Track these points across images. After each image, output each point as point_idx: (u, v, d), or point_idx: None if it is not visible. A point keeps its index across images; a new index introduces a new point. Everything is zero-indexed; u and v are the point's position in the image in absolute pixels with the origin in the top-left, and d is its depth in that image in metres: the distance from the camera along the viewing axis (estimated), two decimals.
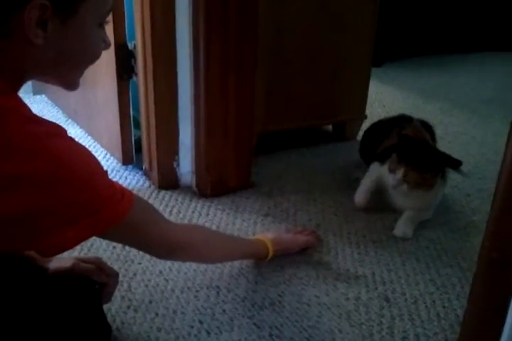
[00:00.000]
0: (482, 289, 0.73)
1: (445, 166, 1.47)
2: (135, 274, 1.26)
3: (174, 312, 1.14)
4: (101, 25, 0.78)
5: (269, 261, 1.29)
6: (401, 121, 1.70)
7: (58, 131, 0.73)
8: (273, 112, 1.88)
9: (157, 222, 0.95)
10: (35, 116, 0.72)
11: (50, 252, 0.75)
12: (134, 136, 1.75)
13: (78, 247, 1.31)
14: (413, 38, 3.35)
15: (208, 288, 1.22)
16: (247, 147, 1.65)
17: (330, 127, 2.17)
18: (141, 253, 1.33)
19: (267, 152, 1.93)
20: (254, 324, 1.11)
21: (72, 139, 0.74)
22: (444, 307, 1.18)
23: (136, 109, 1.70)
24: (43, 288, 0.88)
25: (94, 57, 0.80)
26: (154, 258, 1.31)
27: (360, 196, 1.56)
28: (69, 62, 0.77)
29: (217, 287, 1.22)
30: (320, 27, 1.86)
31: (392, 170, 1.44)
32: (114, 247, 1.35)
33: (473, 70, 3.27)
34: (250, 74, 1.55)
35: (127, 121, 1.71)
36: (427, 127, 1.70)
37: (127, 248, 1.35)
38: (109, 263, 1.26)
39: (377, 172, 1.55)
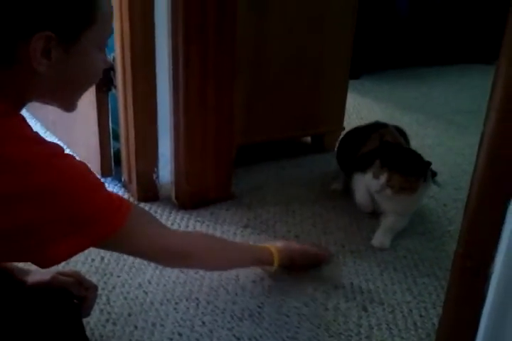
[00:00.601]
0: (456, 296, 0.74)
1: (427, 170, 1.50)
2: (114, 287, 1.25)
3: (153, 324, 1.13)
4: (101, 48, 0.81)
5: (276, 271, 1.27)
6: (377, 127, 1.74)
7: (56, 150, 0.75)
8: (252, 124, 1.89)
9: (156, 230, 0.96)
10: (35, 135, 0.74)
11: (48, 263, 0.77)
12: (113, 148, 1.75)
13: None
14: (390, 51, 3.41)
15: (187, 300, 1.22)
16: (227, 159, 1.66)
17: (309, 139, 2.19)
18: (119, 265, 1.33)
19: (247, 164, 1.94)
20: (234, 335, 1.11)
21: (69, 156, 0.77)
22: (420, 316, 1.20)
23: (115, 122, 1.70)
24: (21, 301, 0.87)
25: (95, 79, 0.84)
26: (133, 271, 1.31)
27: (363, 204, 1.59)
28: (71, 87, 0.80)
29: (197, 299, 1.22)
30: (299, 40, 1.88)
31: (376, 176, 1.47)
32: (93, 260, 1.34)
33: (449, 82, 3.33)
34: (229, 86, 1.56)
35: (106, 133, 1.70)
36: (400, 132, 1.75)
37: (106, 260, 1.34)
38: (87, 276, 1.25)
39: (363, 181, 1.57)
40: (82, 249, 0.77)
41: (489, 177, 0.68)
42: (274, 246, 1.26)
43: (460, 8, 3.55)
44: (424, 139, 2.29)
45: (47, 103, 0.84)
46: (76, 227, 0.74)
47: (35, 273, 0.98)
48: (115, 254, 1.36)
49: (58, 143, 0.80)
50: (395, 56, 3.46)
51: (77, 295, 0.98)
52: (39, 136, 0.75)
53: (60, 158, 0.75)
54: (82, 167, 0.78)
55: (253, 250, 1.26)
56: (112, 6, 0.81)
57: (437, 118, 2.62)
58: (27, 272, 0.99)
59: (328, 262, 1.36)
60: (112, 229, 0.78)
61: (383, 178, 1.45)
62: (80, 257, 1.33)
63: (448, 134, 2.40)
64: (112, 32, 0.82)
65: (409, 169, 1.46)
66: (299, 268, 1.30)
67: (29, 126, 0.75)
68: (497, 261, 0.68)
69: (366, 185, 1.55)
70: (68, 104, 0.84)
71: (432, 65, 3.59)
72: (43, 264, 0.78)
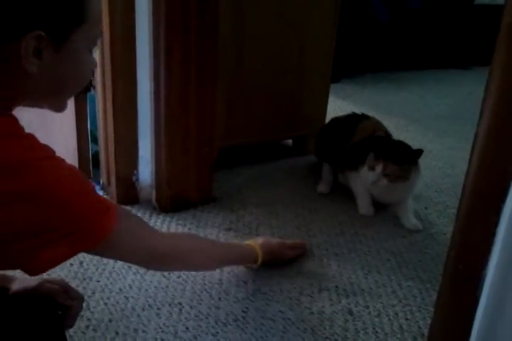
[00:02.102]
0: (448, 300, 0.73)
1: (417, 158, 1.60)
2: (94, 292, 1.21)
3: (135, 330, 1.10)
4: (90, 49, 0.80)
5: (258, 267, 1.30)
6: (359, 119, 1.82)
7: (47, 153, 0.74)
8: (233, 127, 1.88)
9: (144, 233, 0.96)
10: (27, 136, 0.73)
11: (37, 270, 0.75)
12: (91, 150, 1.71)
13: None
14: (369, 55, 3.44)
15: (170, 305, 1.19)
16: (208, 161, 1.64)
17: (290, 141, 2.18)
18: (99, 270, 1.29)
19: (228, 166, 1.92)
20: None
21: (59, 159, 0.75)
22: (406, 319, 1.19)
23: (93, 123, 1.66)
24: (2, 308, 0.83)
25: (85, 81, 0.83)
26: (114, 276, 1.27)
27: (365, 208, 1.66)
28: (61, 86, 0.79)
29: (180, 304, 1.19)
30: (280, 43, 1.88)
31: (371, 168, 1.56)
32: (71, 265, 1.30)
33: (427, 87, 3.37)
34: (211, 88, 1.54)
35: (84, 134, 1.67)
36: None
37: (85, 265, 1.30)
38: (66, 281, 1.22)
39: (359, 179, 1.64)
40: (71, 256, 0.76)
41: (482, 181, 0.67)
42: (256, 242, 1.29)
43: (438, 14, 3.60)
44: None
45: (36, 105, 0.82)
46: (64, 233, 0.72)
47: (21, 280, 0.96)
48: (95, 259, 1.33)
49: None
50: (374, 60, 3.49)
51: (62, 304, 0.95)
52: (31, 136, 0.74)
53: (50, 161, 0.73)
54: (72, 170, 0.77)
55: (237, 248, 1.29)
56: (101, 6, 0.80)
57: (416, 122, 2.64)
58: (11, 279, 0.96)
59: (306, 253, 1.42)
60: (100, 236, 0.76)
61: (379, 168, 1.53)
62: None
63: (427, 138, 2.42)
64: (101, 32, 0.80)
65: (403, 158, 1.56)
66: (281, 261, 1.34)
67: (21, 126, 0.74)
68: (490, 264, 0.67)
69: (362, 180, 1.61)
70: (58, 105, 0.83)
71: (410, 70, 3.63)
72: (32, 271, 0.76)
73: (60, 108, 0.84)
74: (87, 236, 0.75)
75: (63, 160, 0.76)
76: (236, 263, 1.31)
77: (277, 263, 1.34)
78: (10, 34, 0.69)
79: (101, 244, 0.77)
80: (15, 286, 0.94)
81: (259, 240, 1.32)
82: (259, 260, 1.28)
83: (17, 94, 0.75)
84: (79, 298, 0.99)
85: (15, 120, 0.74)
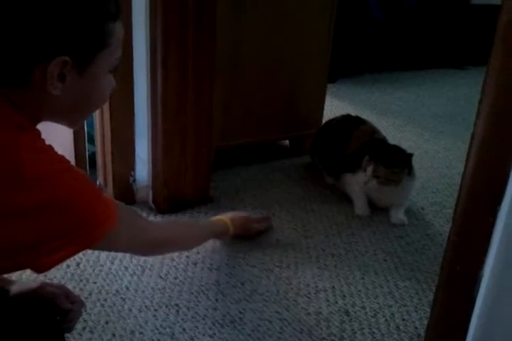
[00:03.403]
0: (444, 301, 0.73)
1: (408, 162, 1.62)
2: (90, 294, 1.21)
3: (132, 332, 1.10)
4: (110, 71, 0.83)
5: (232, 239, 1.42)
6: (355, 124, 1.84)
7: (63, 165, 0.77)
8: (231, 127, 1.88)
9: (140, 226, 1.02)
10: (47, 149, 0.76)
11: (43, 268, 0.77)
12: (88, 151, 1.70)
13: None
14: (366, 56, 3.44)
15: (166, 306, 1.19)
16: (205, 162, 1.63)
17: (287, 142, 2.18)
18: (96, 271, 1.29)
19: (225, 167, 1.92)
20: None
21: (73, 170, 0.78)
22: (403, 319, 1.19)
23: (90, 124, 1.66)
24: (1, 309, 0.84)
25: (103, 101, 0.87)
26: (110, 277, 1.27)
27: (361, 208, 1.67)
28: (81, 107, 0.83)
29: (177, 305, 1.19)
30: (277, 43, 1.88)
31: (364, 169, 1.60)
32: (68, 266, 1.30)
33: (423, 87, 3.37)
34: (208, 89, 1.54)
35: (81, 135, 1.66)
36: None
37: (81, 266, 1.30)
38: (62, 283, 1.22)
39: (355, 180, 1.66)
40: (74, 254, 0.78)
41: (478, 182, 0.67)
42: (226, 216, 1.42)
43: (433, 14, 3.60)
44: (400, 142, 2.28)
45: (55, 121, 0.86)
46: (72, 238, 0.75)
47: (21, 282, 0.98)
48: (91, 260, 1.33)
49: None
50: (371, 61, 3.49)
51: (63, 308, 0.96)
52: (50, 149, 0.77)
53: (66, 173, 0.76)
54: (83, 179, 0.80)
55: (212, 225, 1.41)
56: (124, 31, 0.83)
57: (413, 122, 2.64)
58: (10, 281, 0.98)
59: (271, 227, 1.54)
60: (102, 235, 0.79)
61: (370, 170, 1.57)
62: None
63: (424, 138, 2.42)
64: (122, 54, 0.84)
65: (393, 161, 1.58)
66: (249, 233, 1.46)
67: (42, 139, 0.77)
68: (486, 264, 0.68)
69: (358, 183, 1.63)
70: (75, 123, 0.90)
71: (406, 70, 3.64)
72: (37, 270, 0.78)
73: (75, 126, 0.92)
74: (91, 237, 0.77)
75: (76, 170, 0.79)
76: (213, 237, 1.42)
77: (247, 236, 1.46)
78: (37, 59, 0.72)
79: (102, 241, 0.79)
80: (15, 288, 0.94)
81: (229, 214, 1.44)
82: (230, 232, 1.40)
83: (40, 112, 0.79)
84: (79, 303, 1.00)
85: (38, 134, 0.77)
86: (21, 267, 0.80)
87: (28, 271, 1.24)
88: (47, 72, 0.73)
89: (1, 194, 0.69)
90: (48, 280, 1.22)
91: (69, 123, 0.88)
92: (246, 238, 1.45)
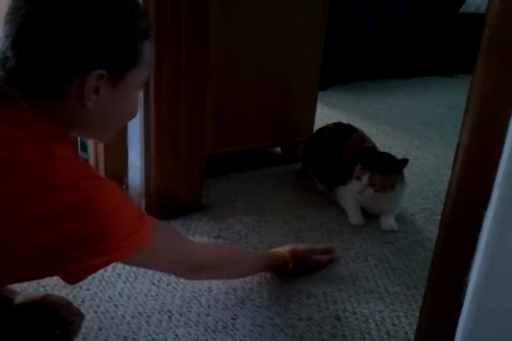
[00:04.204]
0: (432, 305, 0.75)
1: (402, 168, 1.64)
2: (83, 300, 1.22)
3: (125, 338, 1.11)
4: (138, 88, 0.88)
5: (288, 274, 1.32)
6: (346, 132, 1.86)
7: (90, 173, 0.80)
8: (222, 135, 1.89)
9: (180, 245, 1.02)
10: (75, 157, 0.80)
11: (74, 277, 0.78)
12: (81, 158, 1.71)
13: None
14: (356, 63, 3.47)
15: (159, 312, 1.20)
16: (198, 169, 1.65)
17: (278, 149, 2.20)
18: (89, 278, 1.29)
19: (217, 174, 1.93)
20: None
21: (100, 177, 0.81)
22: (393, 324, 1.21)
23: None
24: (7, 317, 0.87)
25: (132, 116, 0.91)
26: (103, 284, 1.28)
27: (355, 218, 1.67)
28: (112, 121, 0.87)
29: (169, 311, 1.20)
30: (269, 51, 1.90)
31: (358, 178, 1.60)
32: None
33: (413, 94, 3.41)
34: (200, 96, 1.55)
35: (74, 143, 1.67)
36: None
37: None
38: (55, 290, 1.23)
39: (347, 192, 1.68)
40: (107, 265, 0.79)
41: (465, 187, 0.69)
42: (285, 249, 1.33)
43: (423, 22, 3.65)
44: (391, 150, 2.31)
45: (85, 135, 0.93)
46: (103, 246, 0.76)
47: (25, 292, 1.00)
48: None
49: None
50: (361, 68, 3.53)
51: (65, 320, 0.98)
52: (79, 158, 0.81)
53: (93, 181, 0.78)
54: (114, 188, 0.81)
55: (267, 256, 1.32)
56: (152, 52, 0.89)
57: (403, 130, 2.67)
58: (14, 291, 1.00)
59: (335, 258, 1.44)
60: (135, 248, 0.80)
61: (365, 179, 1.57)
62: None
63: (414, 145, 2.45)
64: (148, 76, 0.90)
65: (387, 168, 1.60)
66: (309, 267, 1.37)
67: (73, 149, 0.82)
68: (473, 269, 0.69)
69: (350, 191, 1.65)
70: (104, 138, 0.93)
71: (396, 77, 3.67)
72: (70, 280, 0.79)
73: (106, 140, 0.95)
74: (122, 247, 0.78)
75: (104, 179, 0.82)
76: (267, 271, 1.33)
77: (306, 269, 1.36)
78: (77, 70, 0.76)
79: (136, 255, 0.80)
80: (19, 298, 0.96)
81: (288, 247, 1.35)
82: (289, 267, 1.31)
83: (71, 123, 0.82)
84: (81, 315, 1.02)
85: (69, 144, 0.80)
86: (49, 274, 0.80)
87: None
88: (84, 84, 0.77)
89: (32, 200, 0.70)
90: (41, 287, 1.23)
91: (98, 137, 0.93)
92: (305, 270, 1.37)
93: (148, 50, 0.85)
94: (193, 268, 1.05)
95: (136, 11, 0.83)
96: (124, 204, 0.82)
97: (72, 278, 0.78)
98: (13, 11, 0.75)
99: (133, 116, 0.91)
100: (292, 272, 1.32)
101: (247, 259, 1.26)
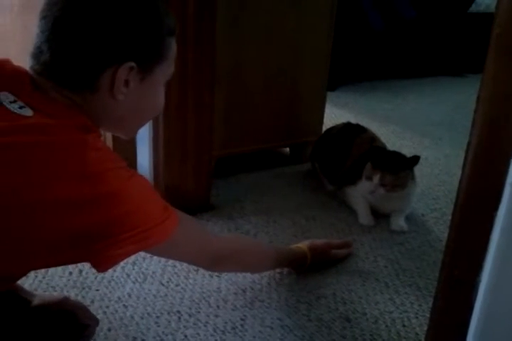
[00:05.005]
0: (443, 305, 0.74)
1: (413, 166, 1.63)
2: (93, 301, 1.22)
3: (134, 339, 1.11)
4: (164, 84, 0.90)
5: (308, 268, 1.34)
6: (356, 132, 1.85)
7: (119, 164, 0.81)
8: (231, 135, 1.89)
9: (203, 236, 1.05)
10: (105, 148, 0.82)
11: (103, 264, 0.79)
12: None
13: (32, 274, 1.27)
14: (365, 64, 3.46)
15: (168, 313, 1.20)
16: (206, 169, 1.65)
17: (287, 149, 2.20)
18: (98, 278, 1.30)
19: (226, 175, 1.93)
20: None
21: (130, 169, 0.83)
22: (403, 325, 1.20)
23: None
24: (23, 319, 0.88)
25: (158, 112, 0.95)
26: (112, 284, 1.28)
27: (365, 218, 1.67)
28: (139, 115, 0.90)
29: (178, 312, 1.20)
30: (277, 52, 1.89)
31: (368, 178, 1.59)
32: (70, 273, 1.31)
33: (422, 94, 3.39)
34: (208, 97, 1.56)
35: None
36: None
37: (84, 273, 1.31)
38: (65, 290, 1.23)
39: (357, 192, 1.67)
40: (135, 253, 0.81)
41: (475, 187, 0.68)
42: (304, 244, 1.35)
43: (432, 22, 3.63)
44: (400, 150, 2.29)
45: (112, 130, 0.93)
46: (130, 232, 0.77)
47: (42, 294, 1.02)
48: None
49: None
50: (370, 69, 3.51)
51: (81, 322, 0.99)
52: (107, 149, 0.83)
53: (120, 171, 0.80)
54: (141, 179, 0.84)
55: (287, 250, 1.33)
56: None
57: (413, 130, 2.65)
58: (33, 293, 1.02)
59: (352, 252, 1.46)
60: (163, 236, 0.82)
61: (376, 179, 1.56)
62: (57, 270, 1.30)
63: (423, 145, 2.43)
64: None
65: (397, 166, 1.59)
66: (328, 261, 1.39)
67: (101, 140, 0.85)
68: (484, 269, 0.69)
69: (360, 191, 1.64)
70: (131, 133, 0.96)
71: (406, 78, 3.65)
72: (100, 266, 0.80)
73: (131, 135, 0.97)
74: (150, 236, 0.80)
75: (132, 170, 0.83)
76: (286, 266, 1.34)
77: (325, 264, 1.38)
78: (109, 62, 0.78)
79: (162, 245, 0.82)
80: (37, 300, 0.98)
81: (306, 242, 1.37)
82: (308, 262, 1.33)
83: (100, 116, 0.84)
84: (95, 320, 1.03)
85: (99, 135, 0.83)
86: (78, 260, 0.82)
87: (31, 280, 1.26)
88: (115, 76, 0.79)
89: (63, 186, 0.72)
90: (50, 288, 1.24)
91: (125, 132, 0.94)
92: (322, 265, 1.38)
93: (174, 47, 0.88)
94: (214, 259, 1.07)
95: (163, 8, 0.85)
96: (151, 195, 0.84)
97: (100, 265, 0.79)
98: (48, 7, 0.78)
99: (159, 110, 0.94)
100: (310, 268, 1.34)
101: (268, 253, 1.26)
